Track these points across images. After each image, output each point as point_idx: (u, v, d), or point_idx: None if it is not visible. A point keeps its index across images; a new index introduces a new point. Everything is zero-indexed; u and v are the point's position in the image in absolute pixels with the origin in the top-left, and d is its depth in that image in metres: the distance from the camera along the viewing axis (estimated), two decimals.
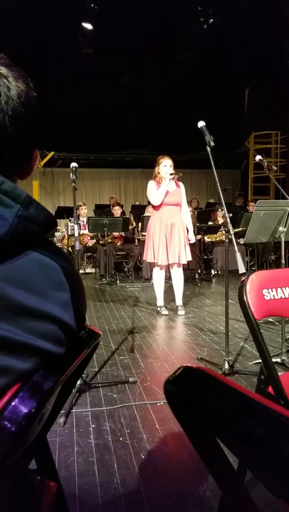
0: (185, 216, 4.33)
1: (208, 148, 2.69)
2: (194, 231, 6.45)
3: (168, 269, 4.54)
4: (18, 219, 0.59)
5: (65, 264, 0.65)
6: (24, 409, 0.57)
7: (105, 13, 7.26)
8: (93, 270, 7.63)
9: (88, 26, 7.71)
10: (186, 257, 4.24)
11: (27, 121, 0.66)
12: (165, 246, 4.17)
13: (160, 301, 4.45)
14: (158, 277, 4.38)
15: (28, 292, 0.59)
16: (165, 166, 4.18)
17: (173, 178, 4.22)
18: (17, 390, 0.59)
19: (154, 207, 4.25)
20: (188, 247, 4.27)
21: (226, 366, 2.68)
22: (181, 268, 4.37)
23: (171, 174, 4.16)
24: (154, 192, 4.17)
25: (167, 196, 4.16)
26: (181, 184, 4.32)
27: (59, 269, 0.64)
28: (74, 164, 2.72)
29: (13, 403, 0.57)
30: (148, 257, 4.30)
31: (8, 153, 0.65)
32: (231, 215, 2.64)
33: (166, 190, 4.15)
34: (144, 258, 4.50)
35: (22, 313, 0.59)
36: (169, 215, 4.20)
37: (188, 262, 4.39)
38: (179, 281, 4.37)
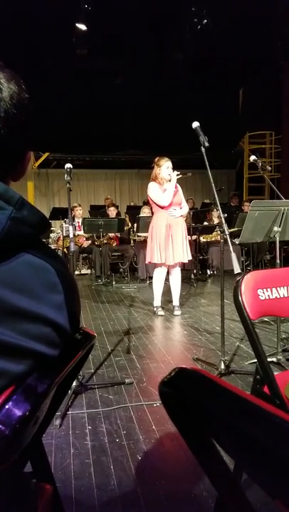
0: (185, 210, 4.36)
1: (203, 149, 2.69)
2: (190, 231, 6.48)
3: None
4: (11, 221, 0.58)
5: (59, 265, 0.65)
6: (18, 412, 0.57)
7: (99, 13, 7.25)
8: (89, 271, 7.62)
9: (82, 27, 7.70)
10: (188, 255, 4.25)
11: (20, 122, 0.65)
12: (171, 246, 4.17)
13: (157, 302, 4.44)
14: (159, 277, 4.37)
15: (21, 294, 0.59)
16: (168, 167, 4.19)
17: (180, 178, 4.22)
18: (11, 393, 0.59)
19: (161, 208, 4.22)
20: (188, 246, 4.28)
21: (222, 366, 2.69)
22: (180, 268, 4.38)
23: (178, 175, 4.17)
24: (160, 193, 4.17)
25: (174, 197, 4.18)
26: (177, 184, 4.32)
27: (53, 271, 0.64)
28: (69, 165, 2.71)
29: (7, 406, 0.57)
30: (154, 258, 4.23)
31: (0, 154, 0.64)
32: (226, 215, 2.64)
33: (172, 191, 4.16)
34: (148, 260, 4.42)
35: (16, 315, 0.59)
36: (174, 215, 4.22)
37: (183, 262, 4.39)
38: (177, 282, 4.38)
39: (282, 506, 0.48)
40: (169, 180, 4.18)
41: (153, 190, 4.20)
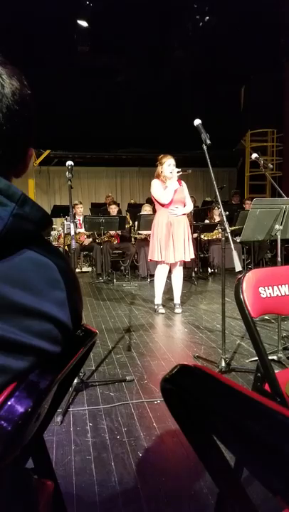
0: (189, 208, 4.35)
1: (205, 147, 2.68)
2: (191, 229, 6.47)
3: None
4: (14, 218, 0.58)
5: (61, 262, 0.65)
6: (20, 409, 0.57)
7: (101, 10, 7.23)
8: (90, 269, 7.62)
9: (84, 24, 7.68)
10: (190, 254, 4.24)
11: (22, 119, 0.65)
12: (172, 244, 4.16)
13: (158, 299, 4.45)
14: (161, 275, 4.37)
15: (23, 291, 0.59)
16: (169, 165, 4.19)
17: (181, 176, 4.22)
18: (13, 390, 0.59)
19: (162, 205, 4.23)
20: (191, 245, 4.28)
21: (223, 364, 2.69)
22: (182, 266, 4.38)
23: (178, 172, 4.17)
24: (162, 191, 4.17)
25: (174, 194, 4.17)
26: (182, 182, 4.32)
27: (55, 268, 0.64)
28: (70, 162, 2.70)
29: (9, 402, 0.57)
30: (154, 255, 4.25)
31: (3, 151, 0.64)
32: (228, 213, 2.64)
33: (174, 188, 4.15)
34: (149, 258, 4.45)
35: (18, 312, 0.59)
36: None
37: (185, 261, 4.39)
38: (178, 280, 4.38)
39: (283, 503, 0.48)
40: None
41: (155, 187, 4.20)
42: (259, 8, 6.96)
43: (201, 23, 7.71)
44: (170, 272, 4.40)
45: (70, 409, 2.24)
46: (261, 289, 1.36)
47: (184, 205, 4.26)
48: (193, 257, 4.35)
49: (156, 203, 4.30)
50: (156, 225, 4.26)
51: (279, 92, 9.03)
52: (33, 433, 0.66)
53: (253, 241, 6.14)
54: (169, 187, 4.14)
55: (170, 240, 4.16)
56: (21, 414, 0.57)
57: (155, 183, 4.21)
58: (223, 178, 11.95)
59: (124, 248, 6.88)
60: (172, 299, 4.52)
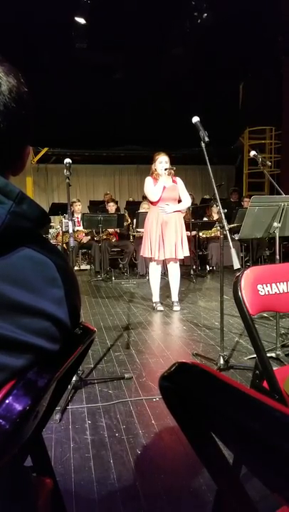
0: (184, 205, 4.31)
1: (203, 144, 2.68)
2: (189, 227, 6.47)
3: (164, 265, 4.54)
4: (11, 215, 0.58)
5: (59, 260, 0.65)
6: (18, 407, 0.57)
7: (99, 7, 7.20)
8: (88, 267, 7.62)
9: (81, 21, 7.64)
10: (183, 252, 4.24)
11: (19, 116, 0.65)
12: (162, 241, 4.17)
13: (156, 297, 4.45)
14: (154, 273, 4.38)
15: (21, 289, 0.59)
16: (160, 162, 4.19)
17: (169, 174, 4.23)
18: (11, 388, 0.59)
19: (152, 203, 4.25)
20: (185, 243, 4.27)
21: (221, 361, 2.69)
22: (178, 264, 4.37)
23: (165, 169, 4.17)
24: (151, 188, 4.18)
25: (164, 192, 4.17)
26: (178, 179, 4.31)
27: (52, 266, 0.63)
28: (68, 160, 2.70)
29: (7, 401, 0.57)
30: (145, 252, 4.30)
31: (0, 149, 0.64)
32: (226, 210, 2.64)
33: (163, 186, 4.15)
34: (140, 253, 4.50)
35: (15, 310, 0.59)
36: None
37: (180, 258, 4.38)
38: (175, 277, 4.37)
39: (281, 499, 0.48)
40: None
41: (146, 184, 4.25)
42: (257, 5, 6.94)
43: (199, 20, 7.68)
44: (167, 269, 4.41)
45: (69, 407, 2.24)
46: (259, 287, 1.36)
47: (176, 202, 4.26)
48: (187, 254, 4.34)
49: (148, 200, 4.34)
50: (147, 222, 4.29)
51: (277, 90, 9.02)
52: (31, 431, 0.66)
53: (252, 239, 6.15)
54: (158, 184, 4.16)
55: (160, 237, 4.17)
56: (19, 412, 0.57)
57: (146, 181, 4.26)
58: (222, 175, 11.94)
59: (122, 246, 6.88)
60: (170, 297, 4.52)
